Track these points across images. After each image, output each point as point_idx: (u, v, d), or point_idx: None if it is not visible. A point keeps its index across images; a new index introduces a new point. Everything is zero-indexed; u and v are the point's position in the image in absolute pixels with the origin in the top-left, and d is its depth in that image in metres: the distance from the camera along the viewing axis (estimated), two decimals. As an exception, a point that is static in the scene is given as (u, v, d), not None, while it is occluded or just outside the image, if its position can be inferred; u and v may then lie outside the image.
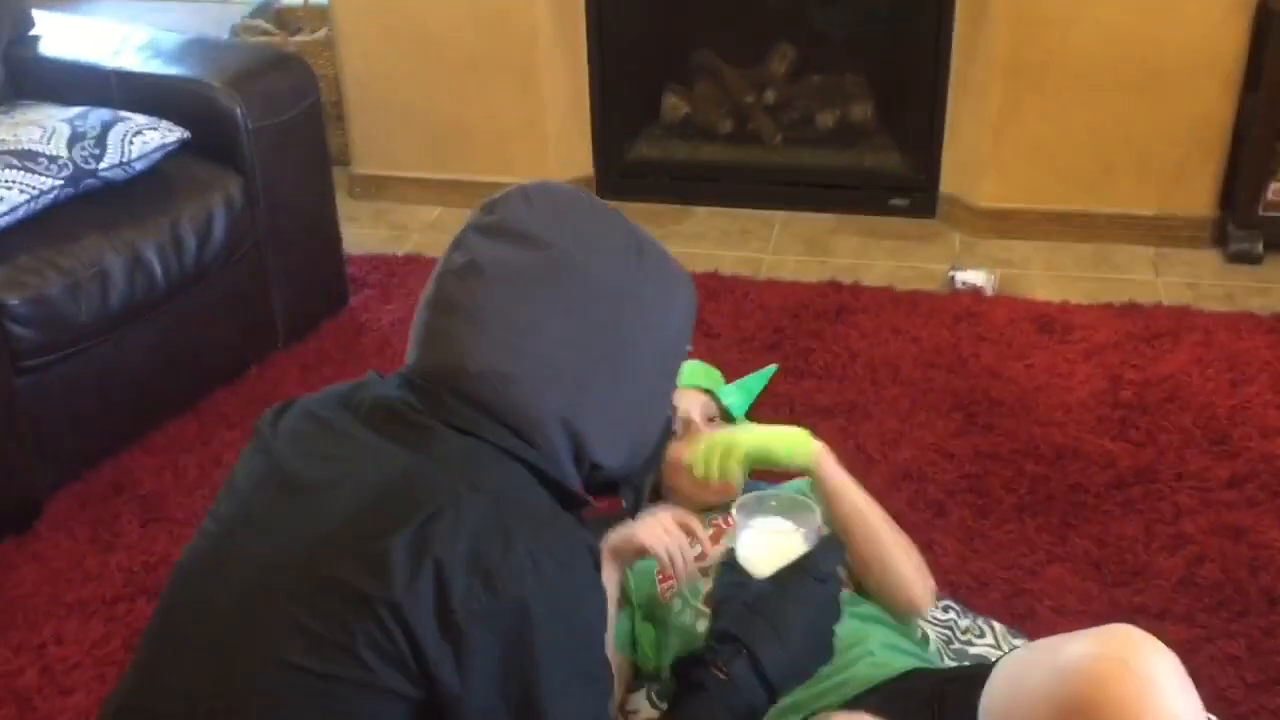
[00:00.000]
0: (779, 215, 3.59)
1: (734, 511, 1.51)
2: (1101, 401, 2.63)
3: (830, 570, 1.36)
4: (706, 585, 1.60)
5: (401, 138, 3.70)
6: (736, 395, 1.83)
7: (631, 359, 1.20)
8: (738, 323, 2.96)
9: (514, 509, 1.09)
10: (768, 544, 1.41)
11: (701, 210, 3.64)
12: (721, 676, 1.24)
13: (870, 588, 1.71)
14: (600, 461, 1.22)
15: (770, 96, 3.75)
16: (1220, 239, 3.29)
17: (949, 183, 3.49)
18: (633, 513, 1.41)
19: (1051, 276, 3.22)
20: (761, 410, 2.60)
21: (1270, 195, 3.19)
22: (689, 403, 1.73)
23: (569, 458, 1.20)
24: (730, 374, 2.73)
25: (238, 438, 2.61)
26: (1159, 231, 3.33)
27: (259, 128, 2.68)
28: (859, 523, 1.69)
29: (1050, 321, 2.94)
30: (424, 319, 1.22)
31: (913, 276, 3.23)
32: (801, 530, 1.44)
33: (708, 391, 1.80)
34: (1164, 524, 2.23)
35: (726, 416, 1.82)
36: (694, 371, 1.80)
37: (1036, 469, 2.41)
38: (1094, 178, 3.32)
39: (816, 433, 2.48)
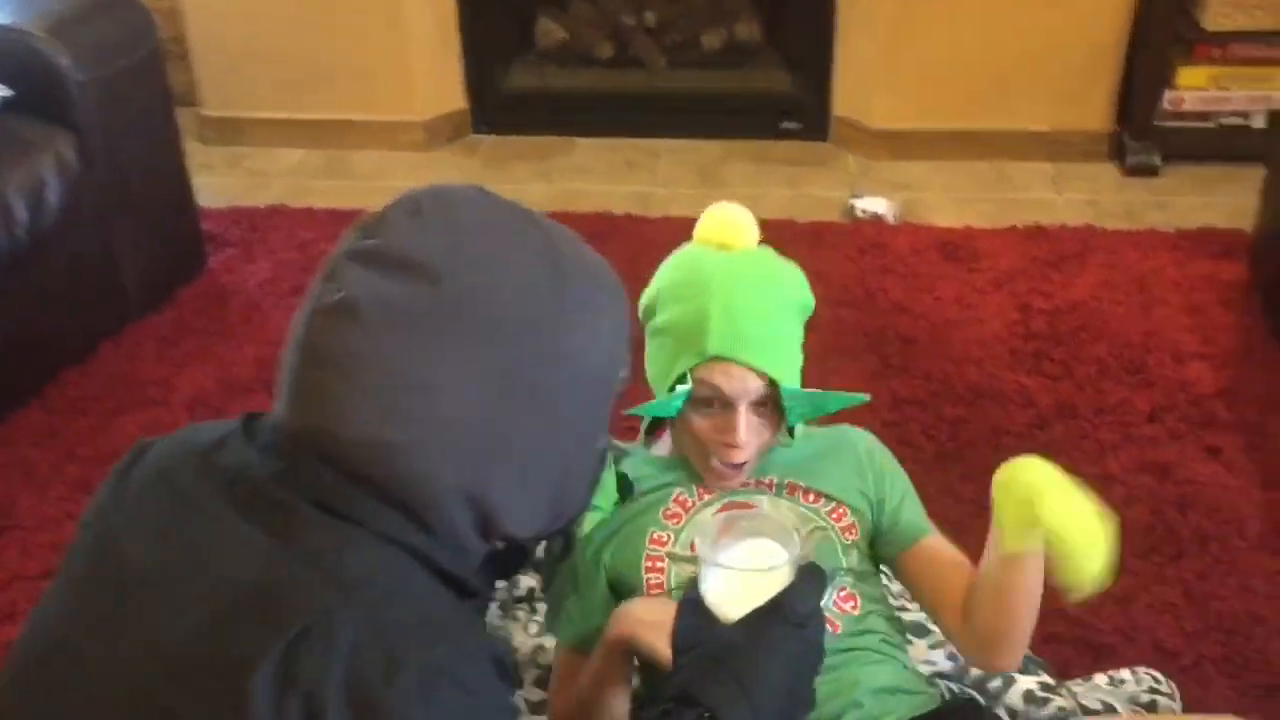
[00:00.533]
0: (666, 144, 3.41)
1: (697, 539, 1.23)
2: (1014, 333, 2.54)
3: (810, 611, 1.11)
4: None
5: (255, 75, 3.40)
6: (805, 404, 1.35)
7: (550, 407, 0.95)
8: (633, 267, 2.76)
9: (399, 620, 0.87)
10: (740, 584, 1.14)
11: (584, 142, 3.44)
12: None
13: (959, 638, 1.40)
14: (514, 535, 1.00)
15: (651, 18, 3.54)
16: (1117, 152, 3.23)
17: (841, 104, 3.35)
18: (561, 557, 1.20)
19: (951, 199, 3.12)
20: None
21: (1165, 105, 3.13)
22: (738, 382, 1.31)
23: (474, 536, 0.97)
24: (629, 321, 2.58)
25: (92, 426, 2.36)
26: (1057, 147, 3.25)
27: (90, 79, 2.40)
28: (1018, 600, 1.31)
29: (955, 249, 2.84)
30: (291, 365, 0.96)
31: (811, 206, 3.09)
32: (781, 561, 1.15)
33: (771, 383, 1.32)
34: (1089, 464, 2.16)
35: (775, 409, 1.34)
36: (763, 345, 1.32)
37: (955, 411, 2.32)
38: (989, 94, 3.21)
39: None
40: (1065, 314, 2.60)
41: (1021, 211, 3.02)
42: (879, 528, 1.45)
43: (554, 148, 3.42)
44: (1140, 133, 3.17)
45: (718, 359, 1.31)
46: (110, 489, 0.99)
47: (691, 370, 1.32)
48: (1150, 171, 3.17)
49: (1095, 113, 3.21)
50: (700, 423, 1.35)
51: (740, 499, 1.42)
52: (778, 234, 2.85)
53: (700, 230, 1.44)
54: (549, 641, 1.68)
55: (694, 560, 1.34)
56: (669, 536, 1.40)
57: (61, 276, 2.44)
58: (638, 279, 2.71)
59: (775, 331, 1.34)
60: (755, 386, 1.32)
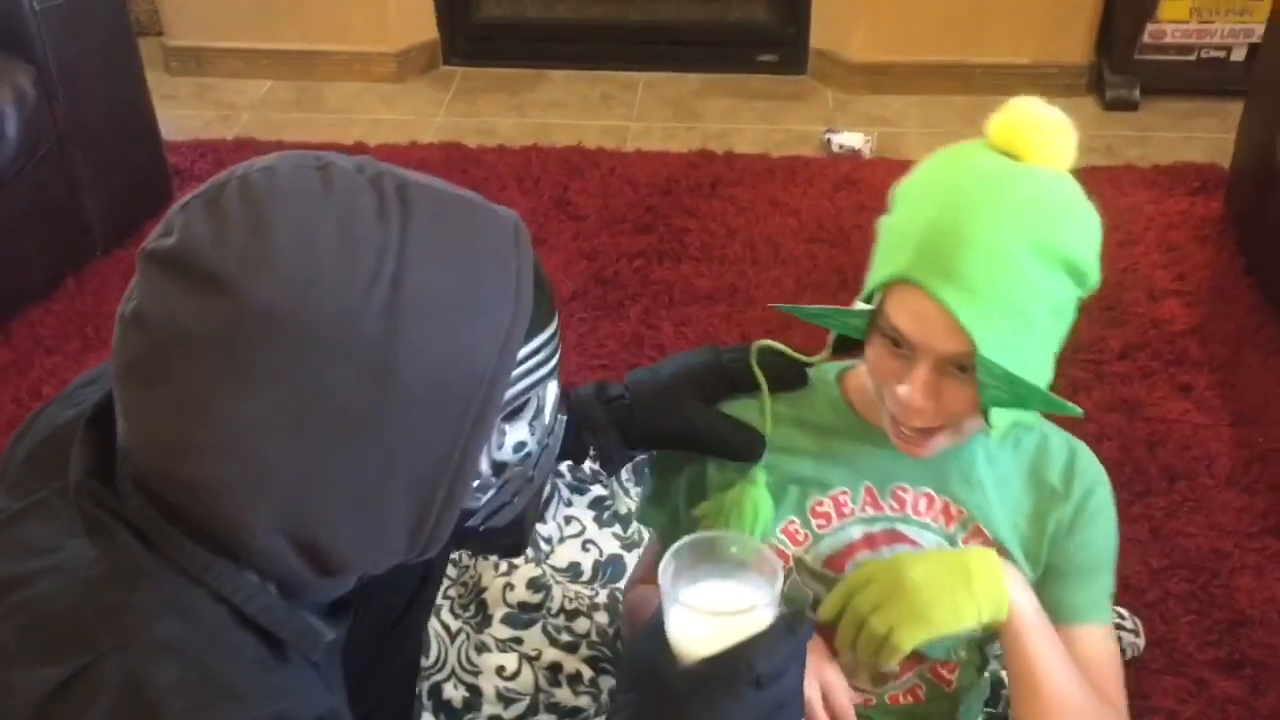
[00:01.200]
0: (642, 77, 3.36)
1: (664, 564, 0.96)
2: (989, 270, 2.53)
3: (775, 669, 0.90)
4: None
5: (221, 3, 3.32)
6: (1003, 388, 1.00)
7: (379, 437, 0.80)
8: (606, 203, 2.76)
9: (173, 677, 0.77)
10: (704, 625, 0.94)
11: (558, 74, 3.38)
12: None
13: None
14: (363, 569, 0.88)
15: (626, -54, 3.48)
16: (1097, 86, 3.20)
17: (819, 36, 3.30)
18: (514, 552, 1.04)
19: (929, 134, 3.09)
20: (639, 300, 2.43)
21: (1146, 38, 3.09)
22: (925, 327, 1.00)
23: (310, 574, 0.85)
24: (603, 260, 2.56)
25: (56, 365, 2.34)
26: (1036, 81, 3.20)
27: (47, 8, 2.34)
28: (1036, 685, 1.11)
29: (932, 184, 2.81)
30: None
31: (787, 140, 3.06)
32: (755, 603, 0.94)
33: (969, 344, 0.98)
34: (1060, 402, 2.16)
35: (970, 376, 1.01)
36: (978, 293, 0.98)
37: (928, 349, 2.31)
38: (968, 27, 3.16)
39: (697, 323, 2.37)
40: (1040, 250, 2.59)
41: (999, 146, 2.99)
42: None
43: (527, 80, 3.36)
44: (1120, 66, 3.14)
45: (910, 283, 0.99)
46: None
47: (884, 289, 1.03)
48: (1129, 106, 3.14)
49: (1075, 45, 3.17)
50: (879, 356, 1.06)
51: (910, 530, 1.16)
52: (751, 169, 2.88)
53: (991, 127, 1.06)
54: (516, 577, 1.68)
55: (824, 579, 1.18)
56: (806, 537, 1.18)
57: (23, 212, 2.39)
58: (611, 213, 2.71)
59: (1008, 282, 0.97)
60: (951, 345, 0.99)
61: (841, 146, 2.97)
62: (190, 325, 0.78)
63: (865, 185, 2.81)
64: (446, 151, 2.96)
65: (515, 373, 0.88)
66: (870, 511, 1.16)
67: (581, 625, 1.67)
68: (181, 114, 3.18)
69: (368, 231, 0.81)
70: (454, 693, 1.59)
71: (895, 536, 1.16)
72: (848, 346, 1.16)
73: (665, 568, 0.97)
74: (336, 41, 3.34)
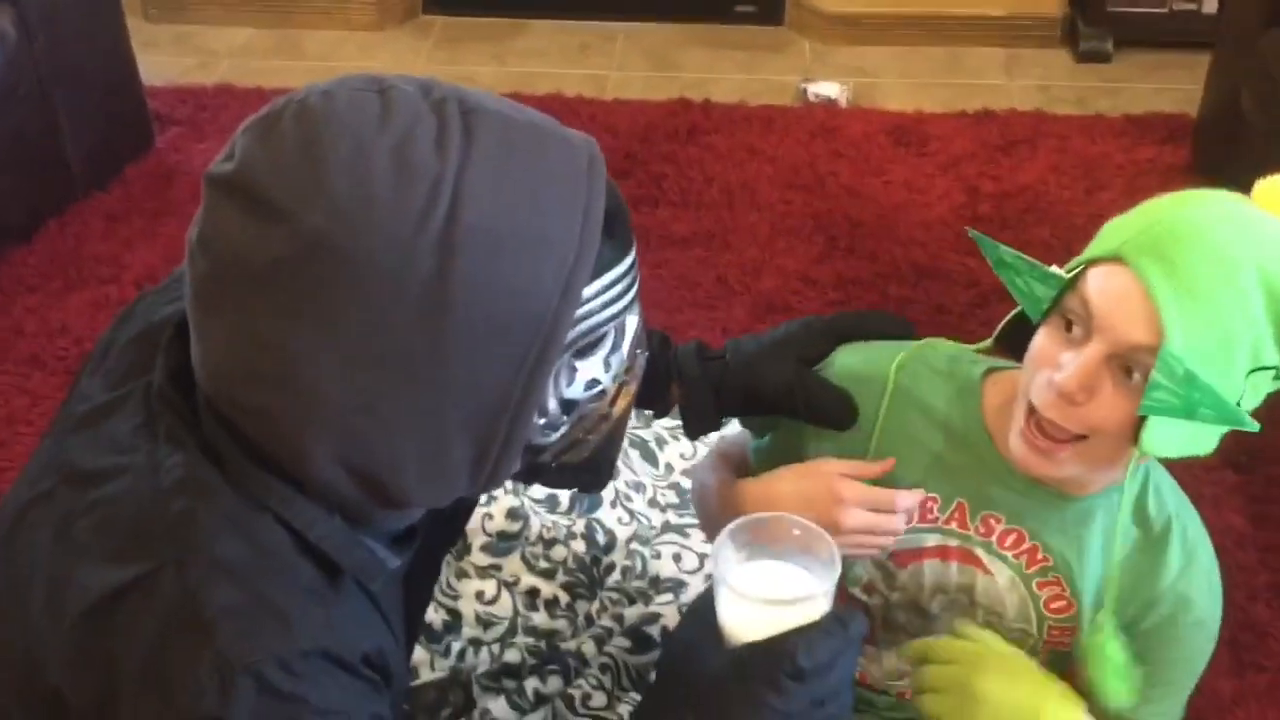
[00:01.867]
0: (621, 27, 3.37)
1: (719, 542, 0.94)
2: (961, 216, 2.57)
3: (818, 665, 0.86)
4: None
5: (199, -50, 3.32)
6: (1175, 394, 0.90)
7: (434, 372, 0.79)
8: (585, 149, 2.78)
9: (225, 598, 0.79)
10: (758, 613, 0.90)
11: (538, 24, 3.39)
12: None
13: None
14: (425, 503, 0.88)
15: (605, -105, 3.47)
16: (1070, 38, 3.23)
17: (797, -14, 3.33)
18: (594, 487, 1.03)
19: (905, 84, 3.12)
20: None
21: (1120, -10, 3.13)
22: (1114, 302, 0.92)
23: (369, 504, 0.85)
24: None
25: (39, 302, 2.36)
26: (1010, 32, 3.25)
27: (26, -53, 2.34)
28: None
29: (906, 133, 2.85)
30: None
31: (764, 90, 3.08)
32: (808, 593, 0.91)
33: (1160, 332, 0.90)
34: (1028, 342, 2.21)
35: (1143, 382, 0.92)
36: (1185, 286, 0.90)
37: (900, 291, 2.36)
38: (945, -23, 3.20)
39: (674, 266, 2.41)
40: (1012, 198, 2.63)
41: (973, 97, 3.03)
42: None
43: (507, 29, 3.37)
44: (1094, 18, 3.17)
45: (1118, 262, 0.92)
46: (96, 356, 0.96)
47: (1088, 268, 0.95)
48: (1102, 58, 3.18)
49: (1049, -2, 3.21)
50: (1045, 340, 0.97)
51: (987, 557, 1.11)
52: (728, 117, 2.91)
53: (1257, 189, 0.99)
54: (495, 508, 1.73)
55: (884, 569, 1.16)
56: None
57: (3, 153, 2.40)
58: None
59: (1224, 291, 0.90)
60: (1134, 333, 0.91)
61: (817, 96, 3.00)
62: (246, 253, 0.78)
63: (841, 134, 2.85)
64: (426, 99, 2.97)
65: (588, 308, 0.85)
66: (954, 527, 1.11)
67: (559, 553, 1.72)
68: (161, 60, 3.18)
69: (424, 160, 0.78)
70: (434, 615, 1.63)
71: (969, 558, 1.12)
72: (1011, 347, 1.06)
73: (720, 547, 0.94)
74: (318, -12, 3.35)
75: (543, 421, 0.88)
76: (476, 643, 1.61)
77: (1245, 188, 2.32)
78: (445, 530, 1.28)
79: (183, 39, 3.34)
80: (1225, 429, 0.95)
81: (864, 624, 0.90)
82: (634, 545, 1.75)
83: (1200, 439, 0.95)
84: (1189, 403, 0.89)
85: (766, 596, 0.90)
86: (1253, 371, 0.92)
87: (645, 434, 1.94)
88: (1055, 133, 2.85)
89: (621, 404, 0.94)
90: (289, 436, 0.81)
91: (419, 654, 1.58)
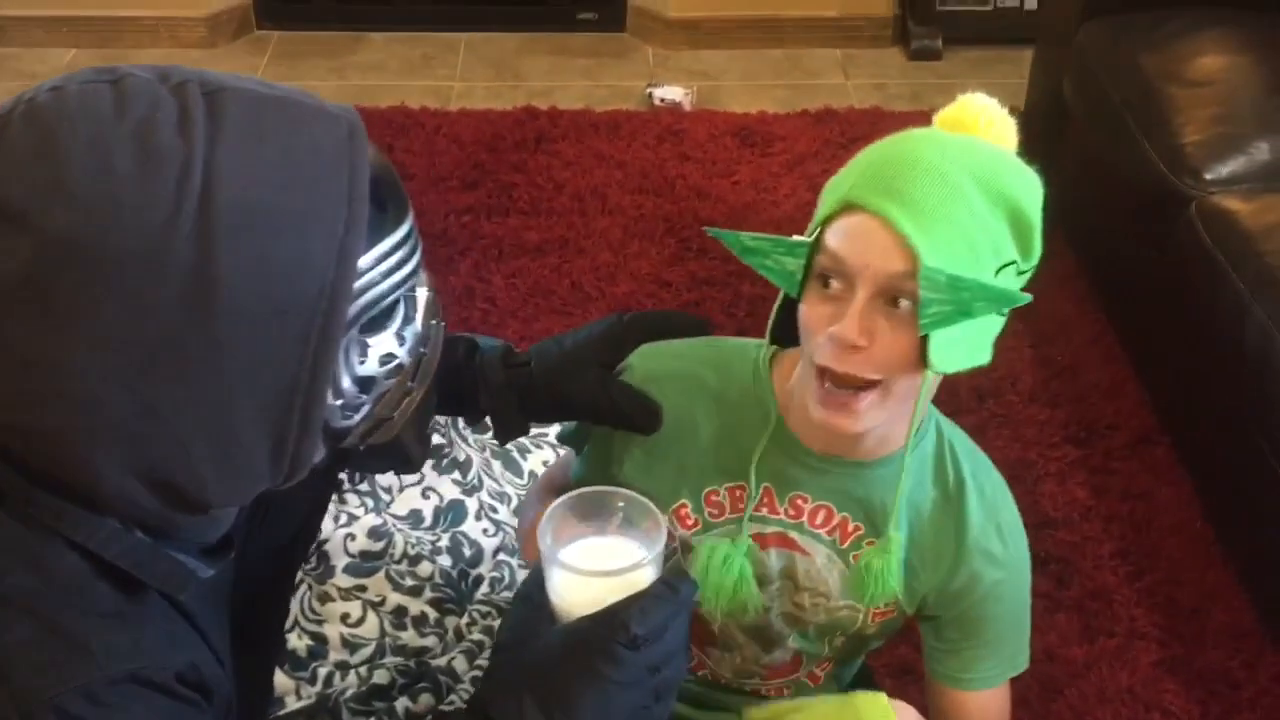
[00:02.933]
0: (463, 37, 3.35)
1: (543, 523, 0.94)
2: (808, 214, 2.58)
3: (650, 631, 0.86)
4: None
5: (14, -31, 3.18)
6: (946, 298, 0.92)
7: (210, 368, 0.76)
8: (432, 160, 2.76)
9: (17, 637, 0.76)
10: (588, 586, 0.91)
11: (377, 37, 3.34)
12: None
13: None
14: (219, 502, 0.83)
15: (440, -95, 3.45)
16: (902, 37, 3.33)
17: (637, -7, 3.36)
18: (408, 468, 1.02)
19: (747, 86, 3.18)
20: (469, 254, 2.45)
21: (946, -10, 3.24)
22: (864, 244, 0.95)
23: (174, 514, 0.82)
24: (431, 216, 2.56)
25: None
26: (844, 33, 3.33)
27: None
28: None
29: (751, 134, 2.90)
30: None
31: (609, 96, 3.10)
32: (636, 561, 0.92)
33: (913, 256, 0.93)
34: (877, 333, 2.27)
35: (913, 307, 0.95)
36: (920, 207, 0.94)
37: (753, 290, 2.39)
38: (780, -19, 3.26)
39: (528, 274, 2.40)
40: (855, 193, 2.70)
41: (813, 96, 3.10)
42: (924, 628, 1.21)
43: (346, 44, 3.32)
44: (923, 18, 3.28)
45: (852, 208, 0.95)
46: None
47: (824, 228, 0.97)
48: (933, 55, 3.29)
49: (880, -2, 3.31)
50: (811, 304, 0.99)
51: (802, 538, 1.13)
52: (575, 124, 2.91)
53: (939, 117, 1.07)
54: (356, 527, 1.69)
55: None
56: (697, 522, 1.16)
57: None
58: (437, 171, 2.70)
59: (953, 203, 0.94)
60: (890, 264, 0.93)
61: (663, 100, 3.03)
62: None
63: (688, 136, 2.88)
64: (265, 115, 2.90)
65: (366, 279, 0.82)
66: (765, 513, 1.13)
67: (425, 569, 1.69)
68: (-21, 85, 3.04)
69: (168, 144, 0.74)
70: (298, 642, 1.59)
71: (785, 541, 1.14)
72: (783, 340, 1.09)
73: (544, 527, 0.93)
74: (142, 6, 3.24)
75: (340, 403, 0.86)
76: (343, 666, 1.58)
77: (1072, 173, 2.41)
78: (303, 532, 1.24)
79: (2, 63, 3.20)
80: (997, 332, 1.01)
81: (693, 586, 0.91)
82: (501, 556, 1.74)
83: (978, 347, 0.99)
84: (961, 303, 0.93)
85: (594, 569, 0.91)
86: (999, 270, 0.98)
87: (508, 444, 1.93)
88: (893, 128, 2.84)
89: (423, 378, 0.92)
90: (72, 455, 0.77)
91: (284, 682, 1.54)
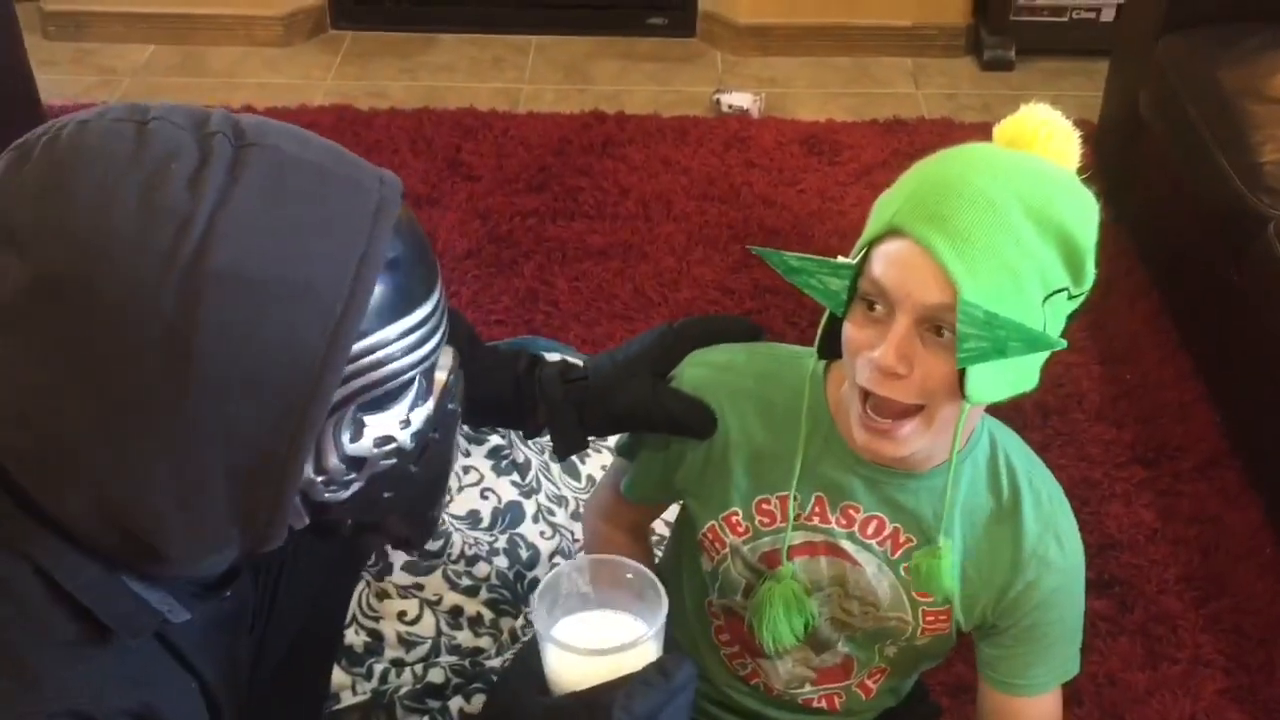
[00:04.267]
0: (533, 40, 3.37)
1: (538, 595, 0.92)
2: (873, 223, 2.60)
3: (645, 715, 0.84)
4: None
5: (98, -34, 3.24)
6: (983, 335, 0.92)
7: (189, 420, 0.74)
8: (500, 163, 2.77)
9: None
10: (581, 663, 0.88)
11: (448, 38, 3.37)
12: None
13: None
14: (181, 564, 0.81)
15: (514, -91, 3.47)
16: (975, 47, 3.30)
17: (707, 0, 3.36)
18: (405, 547, 1.04)
19: (815, 94, 3.16)
20: (533, 256, 2.46)
21: (1021, 1, 3.19)
22: (905, 272, 0.94)
23: (138, 562, 0.80)
24: (496, 218, 2.57)
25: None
26: (916, 42, 3.30)
27: (-86, -36, 2.26)
28: None
29: (818, 142, 2.88)
30: None
31: (677, 101, 3.10)
32: (635, 638, 0.89)
33: (954, 288, 0.92)
34: (942, 346, 2.25)
35: (953, 338, 0.93)
36: (965, 237, 0.93)
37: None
38: (852, -11, 3.24)
39: (591, 279, 2.41)
40: (922, 204, 2.67)
41: (882, 106, 3.07)
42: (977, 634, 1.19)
43: (418, 44, 3.35)
44: (997, 27, 3.24)
45: (897, 234, 0.95)
46: None
47: (871, 250, 0.97)
48: (1006, 66, 3.25)
49: (953, 7, 3.26)
50: (855, 326, 0.98)
51: (852, 547, 1.13)
52: (642, 129, 2.91)
53: (999, 128, 1.06)
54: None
55: (758, 572, 1.17)
56: (747, 530, 1.15)
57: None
58: (504, 174, 2.72)
59: (997, 233, 0.92)
60: (931, 294, 0.93)
61: (731, 106, 3.02)
62: None
63: (754, 143, 2.87)
64: (337, 114, 2.94)
65: (372, 359, 0.80)
66: (817, 522, 1.13)
67: (481, 570, 1.70)
68: (61, 79, 3.11)
69: (174, 199, 0.74)
70: (355, 638, 1.61)
71: (836, 551, 1.14)
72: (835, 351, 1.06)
73: (540, 600, 0.91)
74: (219, 5, 3.29)
75: (323, 479, 0.83)
76: (399, 664, 1.59)
77: (1146, 189, 2.36)
78: (342, 572, 1.25)
79: (83, 57, 3.27)
80: (1042, 361, 0.99)
81: (691, 669, 0.87)
82: (557, 559, 1.74)
83: (1021, 376, 0.98)
84: (998, 341, 0.92)
85: (585, 647, 0.88)
86: (1047, 298, 0.96)
87: (566, 447, 1.93)
88: (962, 139, 2.87)
89: (430, 463, 0.89)
90: (44, 482, 0.77)
91: (340, 678, 1.56)
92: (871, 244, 0.97)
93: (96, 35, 3.31)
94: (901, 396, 0.97)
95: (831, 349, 1.05)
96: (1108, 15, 3.19)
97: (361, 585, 1.66)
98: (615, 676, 0.86)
